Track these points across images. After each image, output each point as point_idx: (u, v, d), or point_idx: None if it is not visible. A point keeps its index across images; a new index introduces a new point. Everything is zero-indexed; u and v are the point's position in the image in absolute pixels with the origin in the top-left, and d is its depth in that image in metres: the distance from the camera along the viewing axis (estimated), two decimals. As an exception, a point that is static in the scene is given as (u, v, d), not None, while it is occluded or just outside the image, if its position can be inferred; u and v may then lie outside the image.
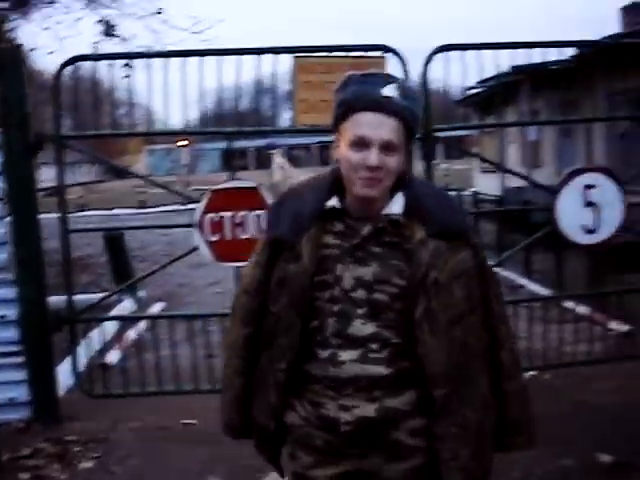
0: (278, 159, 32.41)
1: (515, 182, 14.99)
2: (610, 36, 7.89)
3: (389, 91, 1.75)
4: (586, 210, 4.94)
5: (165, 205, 26.90)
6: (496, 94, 9.46)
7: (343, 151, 1.80)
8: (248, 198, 4.62)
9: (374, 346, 1.81)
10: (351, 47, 4.58)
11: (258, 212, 4.61)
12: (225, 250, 4.63)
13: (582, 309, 6.36)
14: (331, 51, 4.59)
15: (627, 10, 15.98)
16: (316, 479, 1.92)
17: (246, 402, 2.05)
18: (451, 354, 1.83)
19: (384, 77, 1.83)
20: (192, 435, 4.63)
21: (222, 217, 4.61)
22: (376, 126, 1.74)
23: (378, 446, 1.86)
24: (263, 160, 61.69)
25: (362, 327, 1.81)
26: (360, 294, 1.81)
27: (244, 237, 4.62)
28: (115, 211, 24.41)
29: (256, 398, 2.03)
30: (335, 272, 1.83)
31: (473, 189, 19.81)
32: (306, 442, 1.92)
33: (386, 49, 4.57)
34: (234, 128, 4.83)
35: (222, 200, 4.61)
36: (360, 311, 1.81)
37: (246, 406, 2.05)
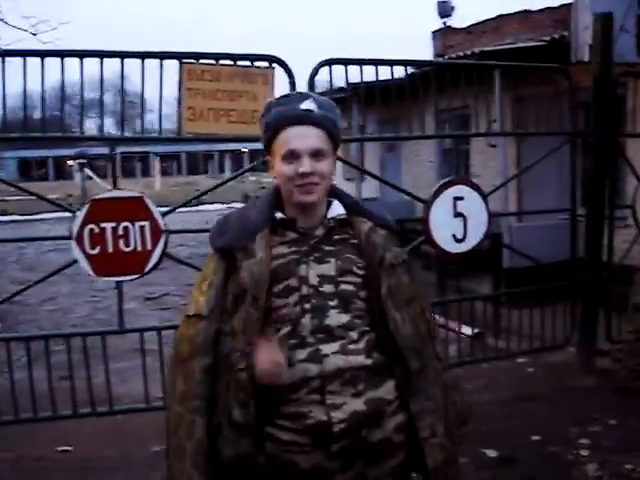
0: (87, 170, 31.23)
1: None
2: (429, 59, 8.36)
3: (307, 105, 1.92)
4: (456, 220, 5.21)
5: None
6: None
7: (278, 167, 1.94)
8: (131, 208, 4.38)
9: (353, 335, 1.88)
10: (238, 56, 4.51)
11: (142, 223, 4.39)
12: (106, 264, 4.36)
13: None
14: (218, 59, 4.48)
15: (438, 34, 17.11)
16: None
17: (208, 452, 1.89)
18: (413, 329, 1.98)
19: (299, 95, 1.99)
20: (70, 462, 4.32)
21: (103, 229, 4.33)
22: (302, 137, 1.89)
23: (362, 451, 1.85)
24: (63, 170, 59.00)
25: (338, 316, 1.88)
26: (328, 288, 1.90)
27: (127, 250, 4.38)
28: None
29: (220, 430, 1.88)
30: (299, 274, 1.89)
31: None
32: (290, 469, 1.85)
33: (273, 60, 4.55)
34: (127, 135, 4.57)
35: (103, 210, 4.33)
36: (332, 303, 1.89)
37: (207, 457, 1.89)
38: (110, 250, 4.34)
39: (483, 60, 8.65)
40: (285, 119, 1.91)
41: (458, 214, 5.23)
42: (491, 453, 4.36)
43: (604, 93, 5.62)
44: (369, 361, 1.88)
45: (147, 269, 4.44)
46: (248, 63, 4.54)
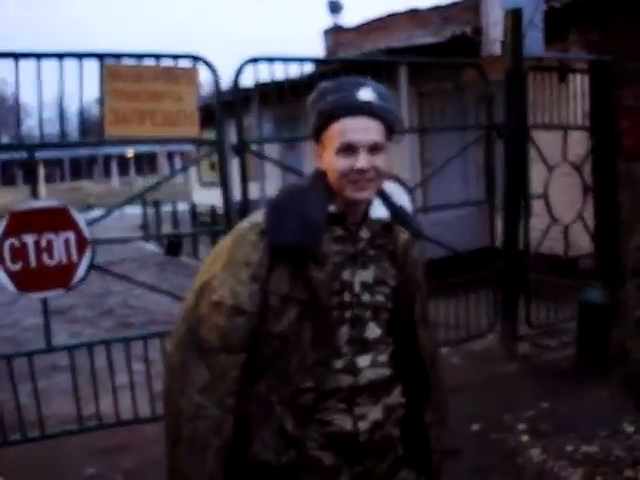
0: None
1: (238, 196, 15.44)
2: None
3: (366, 95, 1.75)
4: (383, 217, 5.22)
5: None
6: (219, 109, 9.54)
7: (330, 159, 1.76)
8: (54, 219, 4.14)
9: (381, 348, 1.87)
10: (161, 55, 4.34)
11: (66, 234, 4.16)
12: (30, 279, 4.10)
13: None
14: (140, 58, 4.29)
15: (329, 32, 17.21)
16: None
17: (234, 450, 1.80)
18: (431, 343, 2.02)
19: (358, 82, 1.81)
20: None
21: (24, 242, 4.07)
22: (361, 130, 1.73)
23: (370, 451, 1.85)
24: None
25: (374, 330, 1.85)
26: (366, 297, 1.84)
27: (51, 263, 4.13)
28: None
29: (257, 434, 1.80)
30: (342, 277, 1.80)
31: (192, 202, 19.99)
32: (314, 465, 1.81)
33: (197, 59, 4.41)
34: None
35: (24, 223, 4.06)
36: (368, 314, 1.84)
37: (228, 454, 1.79)
38: (33, 265, 4.10)
39: (388, 56, 8.75)
40: (343, 108, 1.74)
41: (385, 210, 5.25)
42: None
43: (515, 86, 5.78)
44: (390, 371, 1.89)
45: (74, 282, 4.21)
46: (172, 62, 4.38)
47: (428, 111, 10.55)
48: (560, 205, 6.45)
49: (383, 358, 1.87)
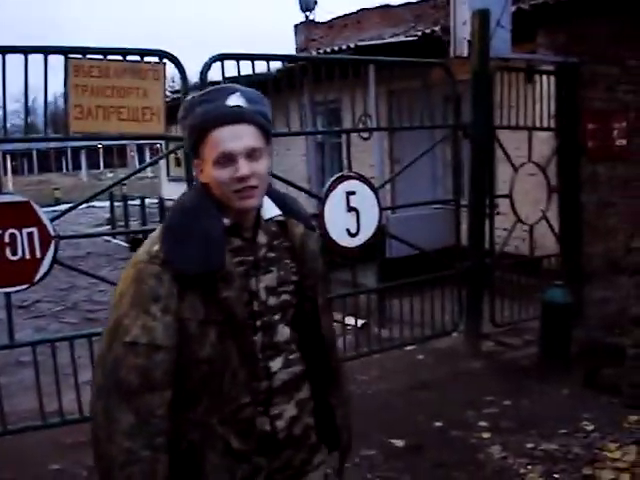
0: None
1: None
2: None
3: (235, 100, 1.71)
4: (349, 215, 5.26)
5: None
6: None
7: (210, 172, 1.72)
8: (18, 214, 4.10)
9: (293, 346, 1.89)
10: (127, 51, 4.31)
11: (30, 229, 4.12)
12: (-8, 275, 4.06)
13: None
14: (106, 54, 4.26)
15: (300, 28, 17.19)
16: None
17: None
18: (331, 327, 2.07)
19: (224, 89, 1.77)
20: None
21: (-13, 237, 4.03)
22: (235, 137, 1.70)
23: (289, 444, 1.87)
24: None
25: (283, 330, 1.85)
26: (272, 301, 1.83)
27: (15, 259, 4.09)
28: None
29: (205, 459, 1.77)
30: (249, 288, 1.79)
31: (160, 196, 19.85)
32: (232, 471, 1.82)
33: (163, 55, 4.40)
34: None
35: (-14, 217, 4.03)
36: (276, 317, 1.84)
37: None
38: (-4, 260, 4.06)
39: (357, 53, 8.77)
40: (213, 119, 1.69)
41: (351, 208, 5.29)
42: (398, 442, 4.45)
43: (482, 87, 5.84)
44: (301, 368, 1.90)
45: (37, 278, 4.18)
46: (138, 58, 4.36)
47: (398, 109, 10.61)
48: (525, 205, 6.54)
49: (295, 356, 1.88)
